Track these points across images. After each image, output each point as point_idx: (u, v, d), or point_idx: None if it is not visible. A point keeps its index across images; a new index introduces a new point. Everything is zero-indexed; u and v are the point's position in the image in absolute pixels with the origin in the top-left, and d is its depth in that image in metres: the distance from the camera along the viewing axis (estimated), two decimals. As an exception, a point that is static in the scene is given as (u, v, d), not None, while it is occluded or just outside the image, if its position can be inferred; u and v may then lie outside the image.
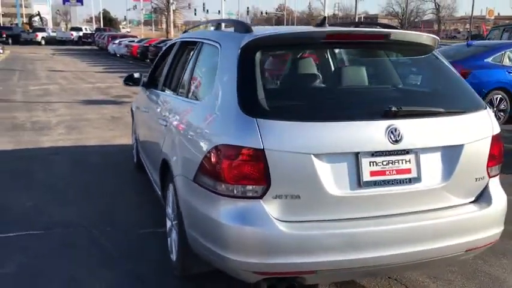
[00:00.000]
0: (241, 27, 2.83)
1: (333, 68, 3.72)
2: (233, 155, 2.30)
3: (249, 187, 2.31)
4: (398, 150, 2.44)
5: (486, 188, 2.72)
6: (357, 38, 2.75)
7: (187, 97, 3.23)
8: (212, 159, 2.39)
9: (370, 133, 2.40)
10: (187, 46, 3.82)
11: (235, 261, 2.34)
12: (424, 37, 2.87)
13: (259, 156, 2.27)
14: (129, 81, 4.83)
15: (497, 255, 3.53)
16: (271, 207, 2.32)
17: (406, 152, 2.47)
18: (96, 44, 43.84)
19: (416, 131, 2.49)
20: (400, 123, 2.43)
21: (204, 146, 2.51)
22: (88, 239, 3.70)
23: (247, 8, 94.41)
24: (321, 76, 3.16)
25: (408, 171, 2.49)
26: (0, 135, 7.34)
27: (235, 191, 2.32)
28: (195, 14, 74.26)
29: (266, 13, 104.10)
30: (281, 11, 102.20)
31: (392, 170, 2.46)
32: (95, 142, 7.05)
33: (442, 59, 2.94)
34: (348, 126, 2.39)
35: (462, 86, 2.86)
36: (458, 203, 2.64)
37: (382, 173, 2.44)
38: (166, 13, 56.37)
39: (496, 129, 2.73)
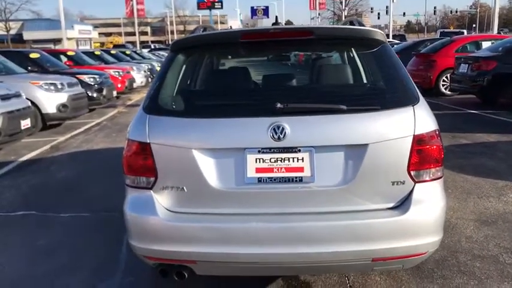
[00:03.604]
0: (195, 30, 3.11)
1: (236, 69, 3.67)
2: (128, 148, 2.57)
3: (141, 178, 2.55)
4: (287, 148, 2.41)
5: (411, 193, 2.46)
6: (275, 36, 2.76)
7: None
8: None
9: (255, 130, 2.43)
10: None
11: (134, 246, 2.60)
12: (358, 30, 2.72)
13: (146, 149, 2.51)
14: None
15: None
16: (160, 198, 2.53)
17: (297, 149, 2.42)
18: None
19: (309, 128, 2.41)
20: (286, 121, 2.40)
21: None
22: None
23: (434, 7, 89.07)
24: (225, 75, 3.20)
25: (299, 169, 2.43)
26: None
27: (131, 182, 2.59)
28: (379, 18, 73.02)
29: (457, 11, 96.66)
30: (475, 8, 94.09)
31: (281, 168, 2.43)
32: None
33: (381, 53, 2.72)
34: (233, 123, 2.46)
35: (392, 81, 2.62)
36: (368, 208, 2.46)
37: (269, 170, 2.44)
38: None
39: (423, 128, 2.44)
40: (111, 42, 66.54)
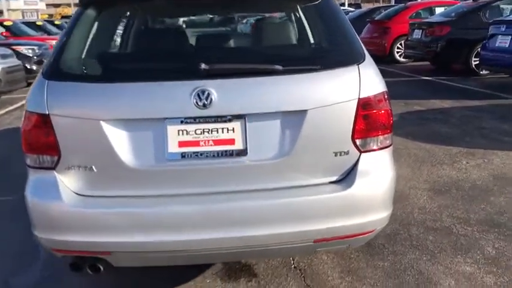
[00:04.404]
0: None
1: (160, 28, 3.31)
2: (26, 121, 2.15)
3: (43, 157, 2.14)
4: (214, 117, 2.06)
5: (356, 165, 2.17)
6: None
7: None
8: None
9: (176, 96, 2.06)
10: None
11: (37, 237, 2.21)
12: None
13: (45, 122, 2.09)
14: None
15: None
16: (66, 180, 2.13)
17: (226, 118, 2.07)
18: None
19: (239, 93, 2.07)
20: (212, 85, 2.04)
21: None
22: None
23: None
24: (146, 36, 2.81)
25: (231, 142, 2.09)
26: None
27: (32, 162, 2.18)
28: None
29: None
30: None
31: (209, 141, 2.08)
32: None
33: (323, 7, 2.38)
34: (149, 88, 2.07)
35: (334, 38, 2.30)
36: (308, 183, 2.15)
37: (195, 143, 2.08)
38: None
39: (370, 90, 2.14)
40: (60, 14, 63.52)
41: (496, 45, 8.15)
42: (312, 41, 2.97)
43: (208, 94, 2.02)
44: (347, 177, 2.17)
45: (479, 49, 9.09)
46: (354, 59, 2.18)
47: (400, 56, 12.75)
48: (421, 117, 6.55)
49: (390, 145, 2.26)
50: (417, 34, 10.94)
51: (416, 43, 10.90)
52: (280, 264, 2.86)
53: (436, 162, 4.68)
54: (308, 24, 3.05)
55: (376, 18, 14.11)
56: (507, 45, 7.88)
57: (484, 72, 9.69)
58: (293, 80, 2.09)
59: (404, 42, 12.00)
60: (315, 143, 2.11)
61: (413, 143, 5.29)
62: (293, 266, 2.84)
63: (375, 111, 2.15)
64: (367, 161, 2.17)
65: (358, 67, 2.16)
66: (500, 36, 8.12)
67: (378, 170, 2.20)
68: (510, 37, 7.84)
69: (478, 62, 9.41)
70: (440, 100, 7.60)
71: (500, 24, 8.23)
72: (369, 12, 16.52)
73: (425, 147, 5.15)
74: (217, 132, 2.08)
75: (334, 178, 2.17)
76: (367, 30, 13.48)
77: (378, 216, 2.20)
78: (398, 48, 12.74)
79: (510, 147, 5.02)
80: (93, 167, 2.10)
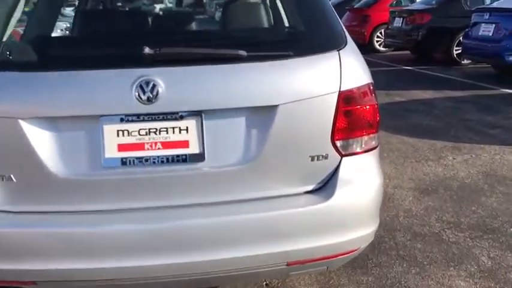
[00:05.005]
0: None
1: (97, 8, 2.88)
2: None
3: None
4: (162, 114, 1.66)
5: (336, 171, 1.80)
6: None
7: None
8: None
9: (114, 88, 1.65)
10: None
11: None
12: None
13: None
14: None
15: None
16: None
17: (177, 116, 1.67)
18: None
19: (194, 84, 1.67)
20: (158, 73, 1.63)
21: None
22: None
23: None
24: (84, 17, 2.38)
25: (184, 144, 1.69)
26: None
27: None
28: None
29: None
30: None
31: (156, 143, 1.68)
32: None
33: None
34: (80, 78, 1.65)
35: (311, 20, 1.91)
36: (279, 193, 1.78)
37: (139, 146, 1.68)
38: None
39: (353, 81, 1.76)
40: None
41: (479, 33, 7.89)
42: (286, 23, 2.58)
43: (154, 85, 1.62)
44: (326, 186, 1.80)
45: (461, 38, 8.84)
46: (333, 44, 1.80)
47: (379, 45, 12.46)
48: (403, 109, 6.24)
49: (376, 147, 1.90)
50: (397, 22, 10.64)
51: (397, 32, 10.61)
52: (251, 281, 2.48)
53: (420, 158, 4.36)
54: (282, 4, 2.66)
55: (355, 6, 13.77)
56: (490, 34, 7.62)
57: (465, 61, 9.45)
58: (261, 69, 1.70)
59: (384, 31, 11.70)
60: (288, 146, 1.73)
61: (396, 137, 4.96)
62: (264, 283, 2.47)
63: (358, 106, 1.78)
64: (350, 167, 1.81)
65: (339, 53, 1.78)
66: (483, 24, 7.86)
67: (363, 177, 1.84)
68: (494, 25, 7.58)
69: (459, 51, 9.15)
70: (421, 91, 7.30)
71: (484, 12, 7.96)
72: (348, 0, 16.16)
73: (409, 141, 4.83)
74: (167, 133, 1.68)
75: (310, 187, 1.80)
76: (346, 18, 13.12)
77: (363, 233, 1.84)
78: (378, 37, 12.44)
79: (497, 141, 4.74)
80: (12, 176, 1.68)
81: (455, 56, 9.61)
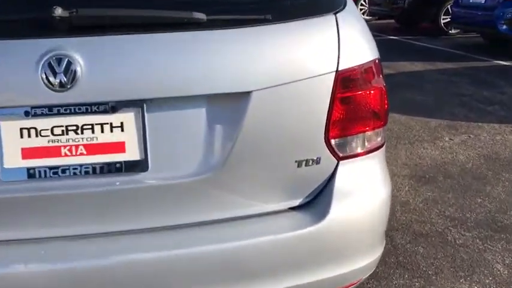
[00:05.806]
0: None
1: None
2: None
3: None
4: (83, 104, 1.15)
5: (331, 180, 1.32)
6: None
7: None
8: None
9: (14, 68, 1.13)
10: None
11: None
12: None
13: None
14: None
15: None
16: None
17: (107, 107, 1.16)
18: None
19: (129, 62, 1.15)
20: (76, 46, 1.11)
21: None
22: None
23: None
24: None
25: (117, 147, 1.19)
26: None
27: None
28: None
29: None
30: None
31: (77, 147, 1.18)
32: None
33: None
34: None
35: None
36: (254, 212, 1.30)
37: (52, 151, 1.17)
38: None
39: (354, 57, 1.27)
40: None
41: (471, 0, 7.42)
42: None
43: (70, 63, 1.10)
44: (317, 200, 1.33)
45: (449, 6, 8.37)
46: (328, 4, 1.30)
47: (363, 13, 11.92)
48: (392, 83, 5.76)
49: (382, 144, 1.43)
50: (383, -11, 10.12)
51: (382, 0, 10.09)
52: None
53: (414, 139, 3.93)
54: None
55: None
56: (483, 1, 7.16)
57: (453, 31, 9.03)
58: (226, 40, 1.19)
59: (368, -2, 11.17)
60: (265, 148, 1.24)
61: (386, 115, 4.51)
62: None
63: (360, 92, 1.29)
64: (349, 174, 1.34)
65: (336, 18, 1.28)
66: (475, -9, 7.40)
67: (366, 188, 1.37)
68: (486, -8, 7.13)
69: (447, 21, 8.69)
70: (410, 62, 6.86)
71: (475, -23, 7.49)
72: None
73: (400, 120, 4.39)
74: (93, 132, 1.17)
75: (296, 202, 1.33)
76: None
77: (366, 261, 1.38)
78: (362, 5, 11.90)
79: (495, 119, 4.34)
80: None
81: (442, 25, 9.16)
